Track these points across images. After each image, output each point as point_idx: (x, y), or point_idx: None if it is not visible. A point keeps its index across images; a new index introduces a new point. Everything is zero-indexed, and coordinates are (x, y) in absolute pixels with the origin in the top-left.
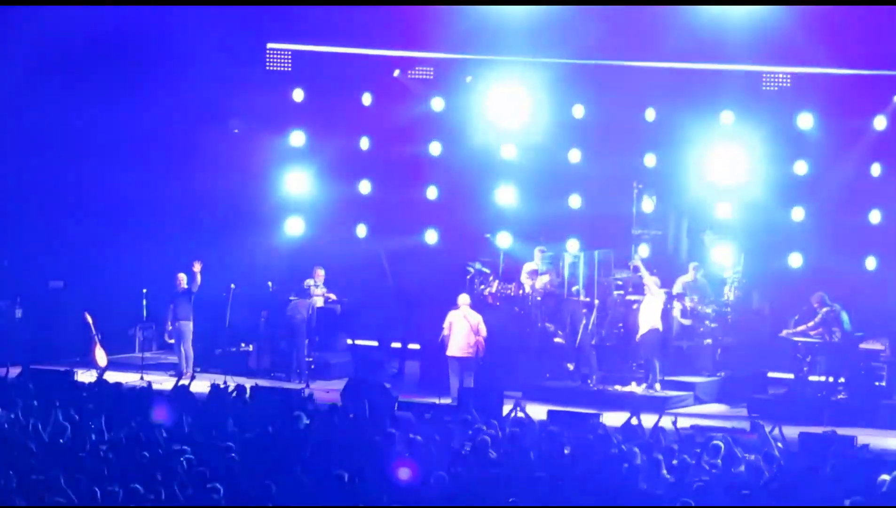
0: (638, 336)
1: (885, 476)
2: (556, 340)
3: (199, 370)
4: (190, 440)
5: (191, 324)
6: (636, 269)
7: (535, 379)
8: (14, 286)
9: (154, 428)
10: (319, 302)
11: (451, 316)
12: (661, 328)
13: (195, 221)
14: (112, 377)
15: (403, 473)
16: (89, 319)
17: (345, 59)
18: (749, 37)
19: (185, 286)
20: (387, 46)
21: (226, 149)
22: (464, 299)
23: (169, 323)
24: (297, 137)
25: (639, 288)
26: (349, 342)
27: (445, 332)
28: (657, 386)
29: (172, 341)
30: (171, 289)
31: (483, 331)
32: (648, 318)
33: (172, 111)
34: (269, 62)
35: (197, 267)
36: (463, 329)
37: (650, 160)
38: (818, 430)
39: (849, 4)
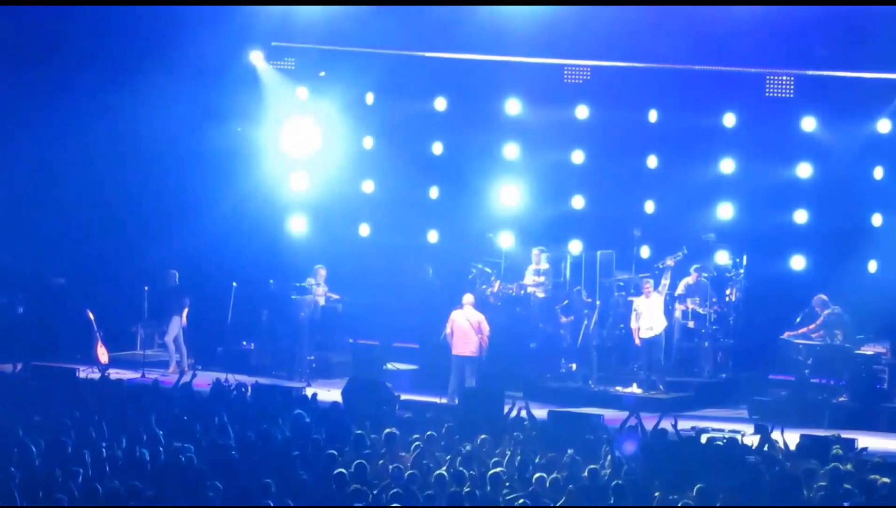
0: (647, 336)
1: (885, 479)
2: (563, 320)
3: (199, 368)
4: (190, 438)
5: (176, 319)
6: (666, 268)
7: (537, 380)
8: (16, 283)
9: (154, 426)
10: (321, 301)
11: (454, 315)
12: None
13: (197, 219)
14: (114, 374)
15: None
16: (91, 316)
17: (349, 57)
18: (753, 39)
19: (177, 283)
20: (390, 45)
21: (229, 147)
22: (468, 298)
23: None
24: (301, 137)
25: (639, 289)
26: (350, 340)
27: (448, 331)
28: (661, 387)
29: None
30: (161, 285)
31: (486, 330)
32: (658, 318)
33: (175, 109)
34: (274, 61)
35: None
36: (464, 328)
37: (652, 162)
38: (819, 433)
39: (852, 4)
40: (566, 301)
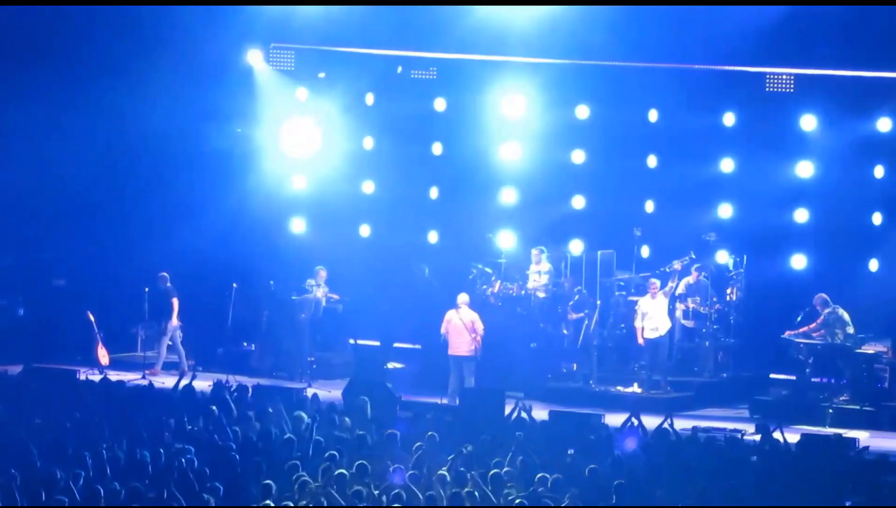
0: (652, 337)
1: (887, 478)
2: (573, 316)
3: (200, 369)
4: (191, 440)
5: (168, 323)
6: (673, 272)
7: (537, 380)
8: (16, 284)
9: (155, 427)
10: (322, 302)
11: (448, 315)
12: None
13: (197, 219)
14: (114, 376)
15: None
16: (91, 317)
17: (348, 58)
18: (752, 38)
19: (169, 285)
20: (390, 46)
21: (229, 148)
22: (462, 298)
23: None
24: (301, 137)
25: (640, 289)
26: (351, 341)
27: (443, 331)
28: (668, 388)
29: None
30: (154, 286)
31: (479, 329)
32: (663, 320)
33: (174, 110)
34: (274, 62)
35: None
36: (458, 328)
37: (652, 161)
38: (820, 432)
39: (854, 4)
40: (577, 297)
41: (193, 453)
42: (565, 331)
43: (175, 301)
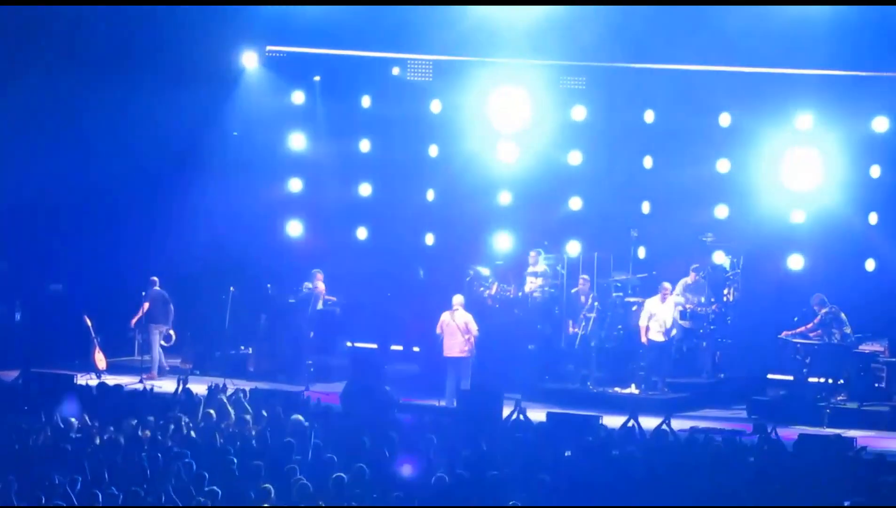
0: (657, 339)
1: (885, 478)
2: (575, 330)
3: (197, 372)
4: (189, 443)
5: (160, 327)
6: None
7: (535, 381)
8: (13, 289)
9: (154, 431)
10: (319, 305)
11: (443, 317)
12: None
13: (194, 223)
14: (111, 379)
15: (406, 469)
16: (88, 322)
17: (344, 60)
18: (749, 38)
19: (155, 289)
20: (385, 48)
21: (226, 151)
22: (457, 299)
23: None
24: (297, 140)
25: (637, 290)
26: (349, 344)
27: (437, 332)
28: (665, 389)
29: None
30: (148, 289)
31: (473, 330)
32: (670, 323)
33: (171, 114)
34: (269, 64)
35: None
36: (452, 329)
37: (648, 162)
38: (818, 432)
39: (851, 4)
40: (593, 294)
41: (190, 456)
42: (579, 331)
43: (146, 305)
